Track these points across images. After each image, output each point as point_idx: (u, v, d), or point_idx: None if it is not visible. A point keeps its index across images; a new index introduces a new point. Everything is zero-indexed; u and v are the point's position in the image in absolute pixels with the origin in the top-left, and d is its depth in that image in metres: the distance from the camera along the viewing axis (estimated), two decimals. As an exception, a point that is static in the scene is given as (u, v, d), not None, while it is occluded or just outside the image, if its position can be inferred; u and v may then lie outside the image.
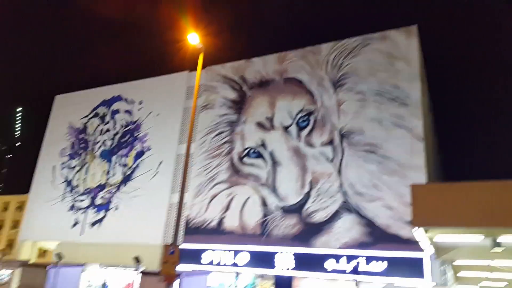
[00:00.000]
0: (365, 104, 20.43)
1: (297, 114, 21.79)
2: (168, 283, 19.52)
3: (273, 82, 23.45)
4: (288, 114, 22.06)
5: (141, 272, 20.38)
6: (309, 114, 21.51)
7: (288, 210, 20.11)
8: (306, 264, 18.36)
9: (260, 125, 22.65)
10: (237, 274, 19.56)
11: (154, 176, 25.13)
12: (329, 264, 17.93)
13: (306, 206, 19.73)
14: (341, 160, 19.81)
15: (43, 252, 26.27)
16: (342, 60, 21.77)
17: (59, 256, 24.15)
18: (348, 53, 21.81)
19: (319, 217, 19.26)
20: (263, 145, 22.05)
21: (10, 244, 52.96)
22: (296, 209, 19.94)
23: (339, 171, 19.63)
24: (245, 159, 22.34)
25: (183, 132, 25.23)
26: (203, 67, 22.90)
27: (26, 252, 27.50)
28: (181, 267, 20.34)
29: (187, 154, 13.09)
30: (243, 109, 23.72)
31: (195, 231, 21.92)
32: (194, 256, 20.54)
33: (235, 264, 19.66)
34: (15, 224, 61.66)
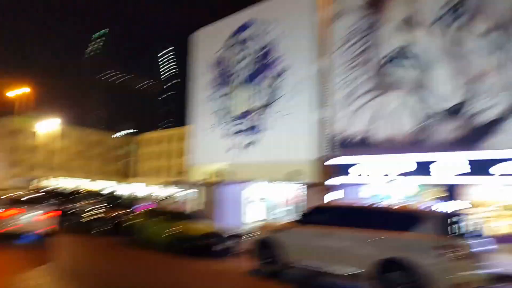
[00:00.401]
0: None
1: (445, 5, 18.91)
2: (327, 192, 20.69)
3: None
4: (434, 6, 19.27)
5: (303, 184, 21.79)
6: (460, 1, 18.46)
7: (446, 114, 18.27)
8: (477, 169, 16.48)
9: (402, 24, 20.40)
10: (396, 184, 19.13)
11: (296, 94, 25.25)
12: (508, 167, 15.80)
13: (468, 107, 17.64)
14: (510, 49, 16.84)
15: (209, 174, 29.74)
16: None
17: (222, 175, 27.23)
18: None
19: (486, 117, 17.05)
20: (408, 46, 19.98)
21: (180, 170, 61.66)
22: (456, 111, 17.96)
23: (508, 63, 16.80)
24: (390, 65, 20.69)
25: (320, 46, 24.36)
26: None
27: (195, 175, 31.52)
28: (333, 180, 20.89)
29: (325, 69, 12.62)
30: (380, 9, 21.51)
31: (345, 144, 21.74)
32: (345, 169, 20.65)
33: (391, 175, 19.17)
34: (179, 154, 71.38)
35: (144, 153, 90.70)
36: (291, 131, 24.95)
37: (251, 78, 28.89)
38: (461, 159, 17.02)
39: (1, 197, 16.58)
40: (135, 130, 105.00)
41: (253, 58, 28.97)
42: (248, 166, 26.98)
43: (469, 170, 16.73)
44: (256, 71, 28.57)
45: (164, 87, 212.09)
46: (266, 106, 27.28)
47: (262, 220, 23.97)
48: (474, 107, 17.39)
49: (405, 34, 20.14)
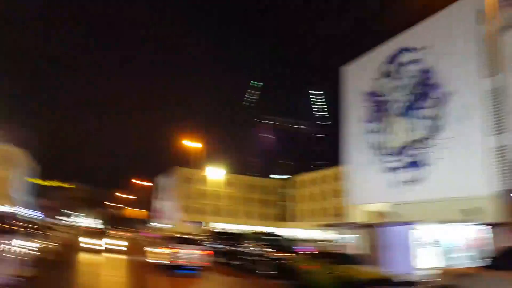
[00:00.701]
0: None
1: None
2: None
3: None
4: None
5: (486, 223, 18.49)
6: None
7: None
8: None
9: None
10: None
11: (465, 120, 22.35)
12: None
13: None
14: None
15: (370, 214, 27.95)
16: None
17: (385, 216, 25.12)
18: None
19: None
20: None
21: (338, 212, 60.28)
22: None
23: None
24: None
25: (489, 63, 21.24)
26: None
27: (355, 216, 30.00)
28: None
29: (498, 87, 10.64)
30: None
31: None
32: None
33: None
34: (336, 194, 70.14)
35: (300, 196, 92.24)
36: (462, 163, 21.86)
37: (409, 108, 26.75)
38: None
39: (167, 236, 19.67)
40: (290, 174, 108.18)
41: (410, 86, 26.93)
42: (414, 205, 24.30)
43: None
44: (414, 99, 26.38)
45: (318, 126, 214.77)
46: (428, 137, 24.71)
47: (437, 266, 20.89)
48: None
49: None
